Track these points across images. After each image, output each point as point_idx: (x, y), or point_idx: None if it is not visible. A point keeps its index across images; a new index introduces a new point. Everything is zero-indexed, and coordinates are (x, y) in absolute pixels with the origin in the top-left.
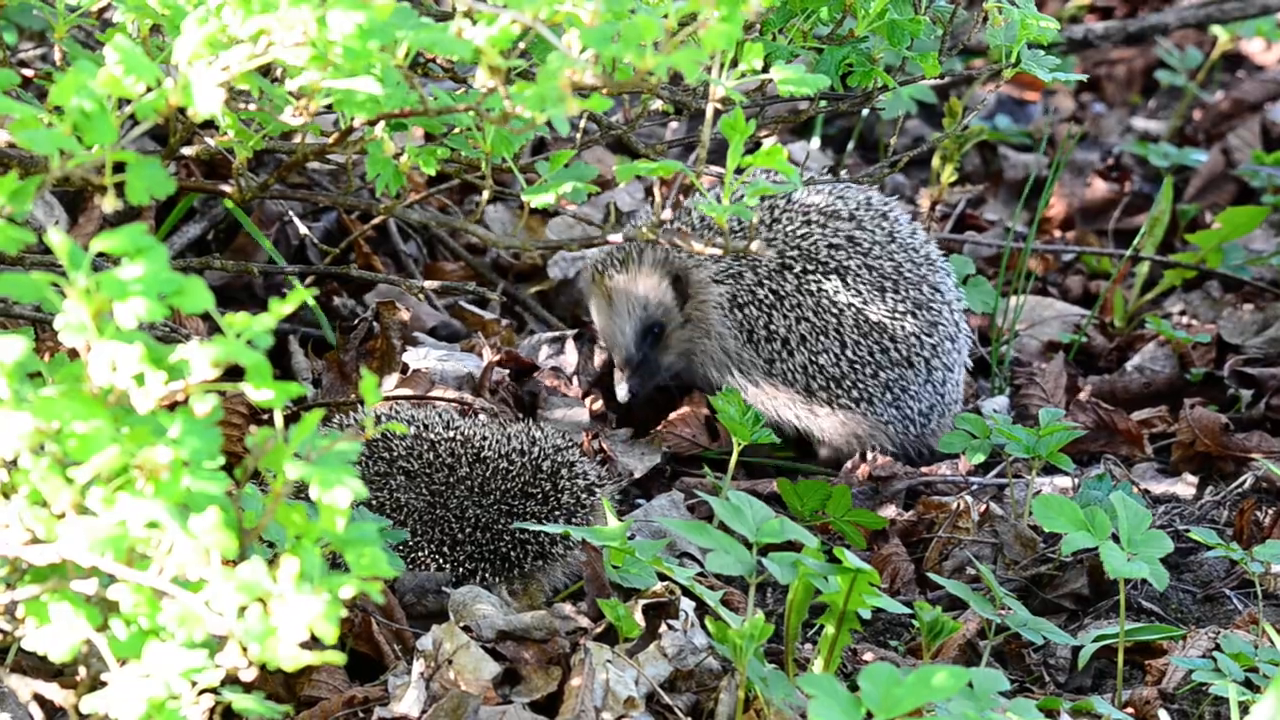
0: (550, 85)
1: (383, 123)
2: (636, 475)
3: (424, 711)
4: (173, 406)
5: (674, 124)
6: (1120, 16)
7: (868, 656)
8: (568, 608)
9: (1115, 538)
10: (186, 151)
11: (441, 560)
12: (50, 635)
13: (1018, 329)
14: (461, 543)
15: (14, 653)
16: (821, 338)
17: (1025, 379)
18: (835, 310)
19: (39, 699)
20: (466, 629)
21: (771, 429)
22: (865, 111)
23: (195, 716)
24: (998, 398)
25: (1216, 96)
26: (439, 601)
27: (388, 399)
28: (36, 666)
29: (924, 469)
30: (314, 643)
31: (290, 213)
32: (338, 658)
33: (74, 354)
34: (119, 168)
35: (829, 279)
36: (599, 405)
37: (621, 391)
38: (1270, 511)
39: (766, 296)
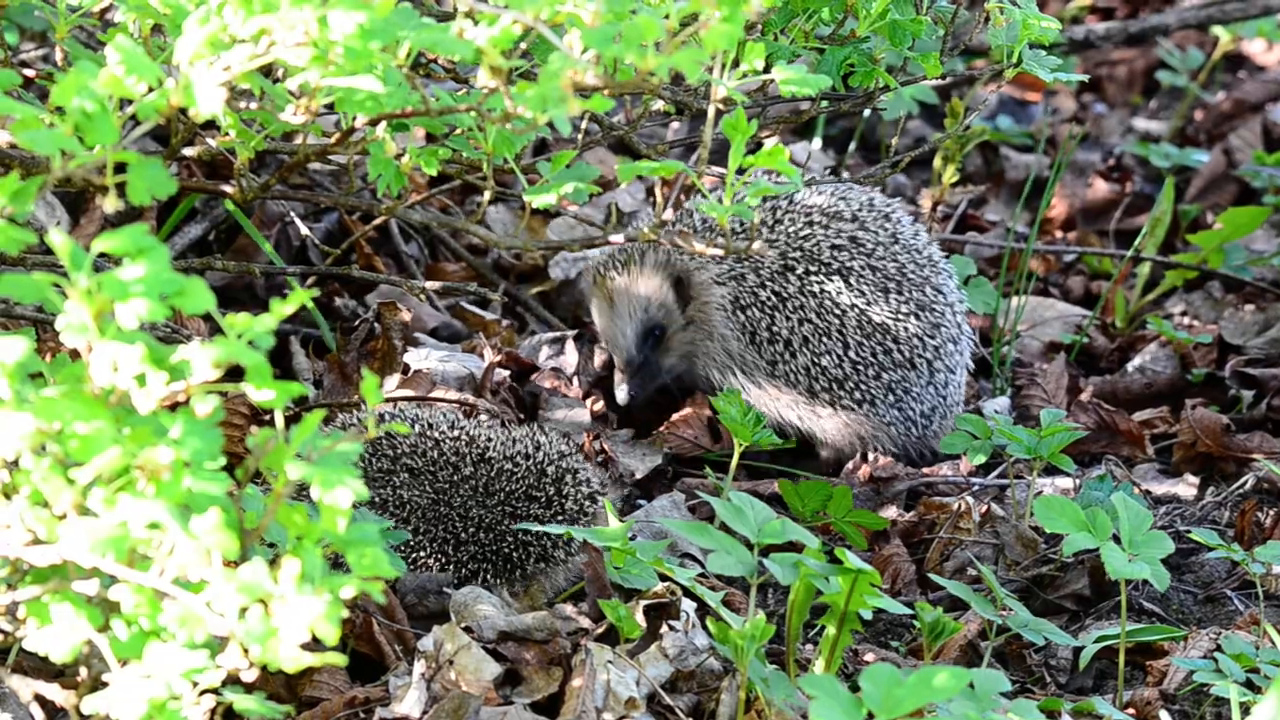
0: (552, 85)
1: (384, 123)
2: (638, 476)
3: (425, 712)
4: (174, 407)
5: (675, 124)
6: (1121, 17)
7: (869, 657)
8: (569, 608)
9: (1116, 538)
10: (188, 152)
11: (444, 560)
12: (51, 636)
13: (1019, 330)
14: (464, 543)
15: (15, 653)
16: (824, 339)
17: (1026, 380)
18: (838, 311)
19: (40, 699)
20: (468, 630)
21: (774, 431)
22: (867, 112)
23: (196, 717)
24: (999, 398)
25: (1218, 97)
26: (440, 602)
27: (389, 399)
28: (38, 667)
29: (925, 470)
30: (315, 643)
31: (292, 213)
32: (339, 658)
33: (75, 354)
34: (120, 168)
35: (832, 280)
36: (600, 406)
37: (621, 394)
38: (1271, 512)
39: (769, 298)
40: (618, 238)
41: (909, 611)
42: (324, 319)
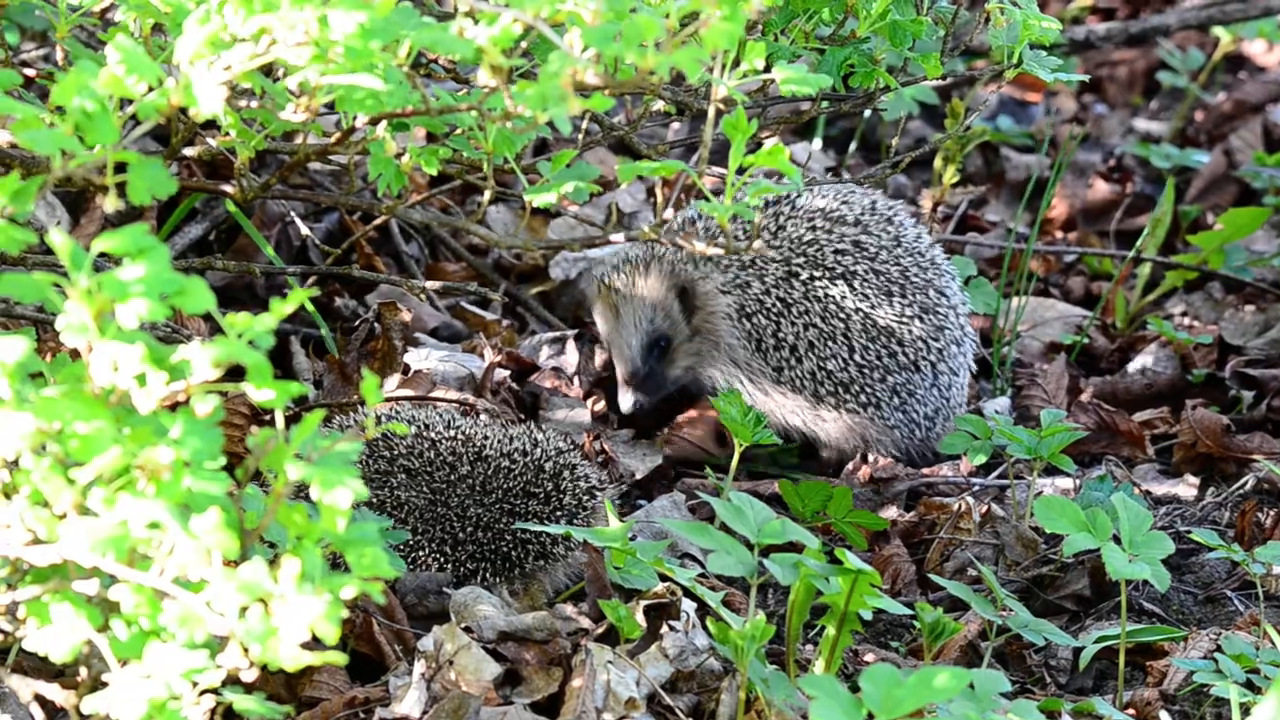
0: (552, 85)
1: (385, 123)
2: (638, 476)
3: (425, 712)
4: (174, 407)
5: (676, 124)
6: (1122, 18)
7: (869, 657)
8: (569, 608)
9: (1117, 539)
10: (188, 152)
11: (443, 560)
12: (51, 636)
13: (1019, 330)
14: (463, 542)
15: (15, 653)
16: (830, 343)
17: (1027, 380)
18: (843, 316)
19: (40, 699)
20: (468, 630)
21: (779, 435)
22: (867, 112)
23: (196, 717)
24: (999, 399)
25: (1218, 98)
26: (440, 602)
27: (389, 399)
28: (38, 667)
29: (925, 470)
30: (315, 643)
31: (292, 213)
32: (339, 658)
33: (76, 354)
34: (121, 168)
35: (836, 284)
36: (600, 406)
37: (626, 404)
38: (1272, 513)
39: (774, 304)
40: (618, 237)
41: (909, 612)
42: (324, 319)
